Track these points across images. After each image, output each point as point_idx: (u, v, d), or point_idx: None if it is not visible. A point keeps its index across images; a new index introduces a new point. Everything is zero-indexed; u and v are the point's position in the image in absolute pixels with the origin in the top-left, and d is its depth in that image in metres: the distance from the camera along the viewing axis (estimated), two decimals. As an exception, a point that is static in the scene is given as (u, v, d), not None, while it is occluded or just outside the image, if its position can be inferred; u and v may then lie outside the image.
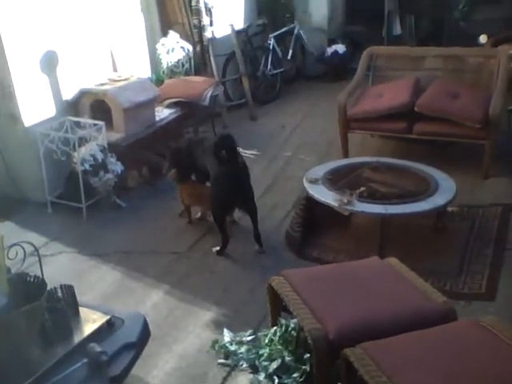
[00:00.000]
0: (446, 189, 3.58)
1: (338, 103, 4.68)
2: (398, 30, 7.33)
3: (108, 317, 1.91)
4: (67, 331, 1.82)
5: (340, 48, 7.13)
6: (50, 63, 4.18)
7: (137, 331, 1.88)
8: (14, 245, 1.74)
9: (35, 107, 4.10)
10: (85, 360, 1.71)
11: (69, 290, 1.90)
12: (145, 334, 1.93)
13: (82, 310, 1.93)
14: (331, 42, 7.29)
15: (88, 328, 1.86)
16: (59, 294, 1.88)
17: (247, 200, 3.57)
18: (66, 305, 1.88)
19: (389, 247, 3.31)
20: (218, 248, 3.58)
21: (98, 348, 1.72)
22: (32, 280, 1.77)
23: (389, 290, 2.45)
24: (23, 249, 1.77)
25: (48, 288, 1.78)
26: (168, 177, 3.96)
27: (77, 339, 1.81)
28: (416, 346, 2.08)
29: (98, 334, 1.85)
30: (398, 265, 2.65)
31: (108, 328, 1.90)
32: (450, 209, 3.79)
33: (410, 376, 1.94)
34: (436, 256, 3.45)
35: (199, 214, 4.00)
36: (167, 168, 3.96)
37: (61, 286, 1.90)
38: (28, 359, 1.70)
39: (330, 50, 7.15)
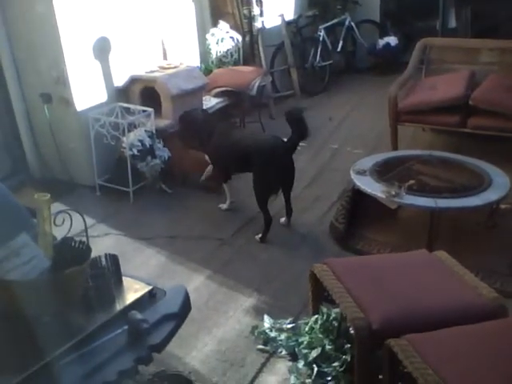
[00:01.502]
0: (499, 185, 3.44)
1: (389, 94, 4.57)
2: (453, 22, 7.10)
3: (150, 287, 1.93)
4: (110, 298, 1.86)
5: (392, 40, 6.98)
6: (102, 50, 4.27)
7: (178, 303, 1.89)
8: (61, 212, 1.78)
9: (87, 92, 4.20)
10: (125, 327, 1.73)
11: (113, 259, 1.93)
12: (186, 306, 1.94)
13: (126, 280, 1.96)
14: (383, 34, 7.14)
15: (130, 297, 1.89)
16: (103, 263, 1.91)
17: (291, 176, 3.65)
18: (110, 273, 1.91)
19: (437, 243, 3.21)
20: (260, 235, 3.57)
21: (138, 316, 1.74)
22: (77, 245, 1.81)
23: (436, 282, 2.37)
24: (70, 216, 1.80)
25: (93, 256, 1.82)
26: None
27: (119, 307, 1.84)
28: (463, 340, 2.00)
29: (140, 303, 1.87)
30: (447, 259, 2.56)
31: (150, 298, 1.92)
32: (502, 206, 3.64)
33: (456, 370, 1.86)
34: (486, 253, 3.31)
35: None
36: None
37: (105, 254, 1.94)
38: (70, 322, 1.74)
39: (381, 43, 7.01)
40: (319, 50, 6.59)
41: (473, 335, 2.03)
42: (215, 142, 3.82)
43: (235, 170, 3.88)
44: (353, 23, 7.04)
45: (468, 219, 3.59)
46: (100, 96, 4.31)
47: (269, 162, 3.52)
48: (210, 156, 3.93)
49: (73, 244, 1.82)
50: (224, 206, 3.98)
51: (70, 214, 1.80)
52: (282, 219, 3.73)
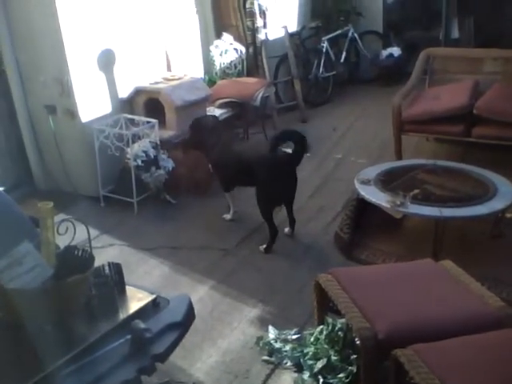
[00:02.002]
0: (505, 193, 3.42)
1: (393, 104, 4.57)
2: (456, 33, 7.11)
3: (154, 296, 1.92)
4: (113, 307, 1.84)
5: (395, 51, 7.00)
6: (107, 61, 4.30)
7: (182, 312, 1.87)
8: (64, 220, 1.77)
9: (92, 104, 4.21)
10: (128, 336, 1.71)
11: (116, 268, 1.92)
12: (190, 315, 1.93)
13: (129, 289, 1.95)
14: (386, 45, 7.16)
15: (133, 306, 1.88)
16: (107, 271, 1.91)
17: (293, 189, 3.65)
18: (113, 282, 1.90)
19: (442, 252, 3.19)
20: (264, 246, 3.56)
21: (142, 325, 1.72)
22: (80, 254, 1.80)
23: (442, 292, 2.35)
24: (73, 224, 1.80)
25: (96, 265, 1.81)
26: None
27: (122, 316, 1.83)
28: (470, 350, 1.97)
29: (143, 313, 1.86)
30: (452, 268, 2.54)
31: (153, 307, 1.90)
32: (508, 215, 3.61)
33: (463, 381, 1.84)
34: (492, 263, 3.28)
35: None
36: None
37: (108, 263, 1.93)
38: (72, 331, 1.73)
39: (384, 53, 7.03)
40: (322, 61, 6.62)
41: (479, 345, 2.00)
42: (218, 151, 3.82)
43: (237, 183, 3.88)
44: (356, 34, 7.07)
45: (473, 228, 3.57)
46: (104, 107, 4.33)
47: (271, 175, 3.50)
48: (212, 164, 3.93)
49: (76, 252, 1.82)
50: (228, 217, 3.97)
51: (73, 223, 1.80)
52: (286, 229, 3.72)
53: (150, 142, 4.18)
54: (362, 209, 3.71)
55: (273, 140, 3.61)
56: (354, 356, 2.36)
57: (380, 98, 6.27)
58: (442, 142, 4.89)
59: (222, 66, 5.56)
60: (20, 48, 4.16)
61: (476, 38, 7.13)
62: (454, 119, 4.41)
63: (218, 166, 3.90)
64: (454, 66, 5.13)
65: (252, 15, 5.80)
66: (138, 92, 4.52)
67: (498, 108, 4.30)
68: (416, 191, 3.43)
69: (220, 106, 5.09)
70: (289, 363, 2.58)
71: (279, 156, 3.61)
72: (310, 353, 2.51)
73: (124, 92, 4.50)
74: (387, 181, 3.63)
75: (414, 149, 4.92)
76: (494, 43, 6.67)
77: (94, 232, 3.75)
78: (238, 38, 5.76)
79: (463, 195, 3.44)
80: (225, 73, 5.59)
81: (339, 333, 2.46)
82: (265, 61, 5.89)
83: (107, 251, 3.61)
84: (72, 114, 4.16)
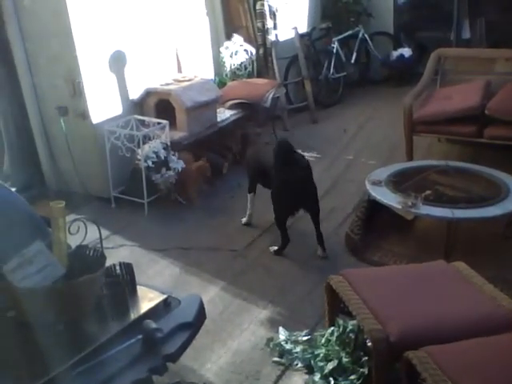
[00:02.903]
0: (518, 194, 3.38)
1: (404, 105, 4.54)
2: (467, 33, 7.06)
3: (165, 296, 1.91)
4: (124, 307, 1.84)
5: (406, 52, 6.96)
6: (118, 63, 4.32)
7: (193, 312, 1.86)
8: (76, 220, 1.78)
9: (103, 105, 4.23)
10: (139, 336, 1.71)
11: (128, 268, 1.92)
12: (201, 315, 1.92)
13: (140, 289, 1.94)
14: (397, 45, 7.13)
15: (145, 306, 1.87)
16: (118, 271, 1.91)
17: (310, 202, 3.49)
18: (124, 281, 1.90)
19: (454, 253, 3.16)
20: (275, 248, 3.54)
21: (153, 325, 1.72)
22: (92, 253, 1.80)
23: (455, 293, 2.32)
24: (85, 224, 1.80)
25: (107, 265, 1.81)
26: None
27: (133, 316, 1.83)
28: (483, 352, 1.95)
29: (154, 313, 1.85)
30: (465, 269, 2.51)
31: (164, 307, 1.90)
32: (521, 216, 3.57)
33: (476, 383, 1.81)
34: (504, 264, 3.25)
35: None
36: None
37: (120, 263, 1.93)
38: (84, 331, 1.73)
39: (395, 54, 7.00)
40: (333, 61, 6.60)
41: (493, 347, 1.98)
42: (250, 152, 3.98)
43: (261, 183, 3.84)
44: (366, 35, 7.04)
45: (485, 229, 3.53)
46: (115, 109, 4.35)
47: (284, 184, 3.39)
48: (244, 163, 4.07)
49: (87, 252, 1.82)
50: (244, 220, 3.91)
51: (84, 223, 1.80)
52: (318, 251, 3.50)
53: (160, 142, 4.19)
54: (373, 210, 3.69)
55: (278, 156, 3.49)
56: (366, 358, 2.34)
57: (391, 99, 6.24)
58: (453, 142, 4.86)
59: (233, 67, 5.56)
60: (31, 50, 4.19)
61: (487, 38, 7.08)
62: (465, 120, 4.38)
63: (247, 165, 3.98)
64: (466, 67, 5.09)
65: (262, 16, 5.79)
66: (148, 93, 4.53)
67: (510, 109, 4.26)
68: (428, 192, 3.41)
69: (230, 107, 5.08)
70: (299, 365, 2.57)
71: (294, 165, 3.46)
72: (321, 354, 2.49)
73: (135, 93, 4.51)
74: (398, 182, 3.61)
75: (425, 149, 4.89)
76: (506, 44, 6.63)
77: (104, 233, 3.75)
78: (248, 40, 5.75)
79: (475, 196, 3.42)
80: (235, 74, 5.58)
81: (350, 334, 2.45)
82: (275, 62, 5.88)
83: (118, 252, 3.62)
84: (83, 115, 4.17)
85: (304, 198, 3.46)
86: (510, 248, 3.44)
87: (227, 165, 4.77)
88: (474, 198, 3.39)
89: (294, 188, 3.38)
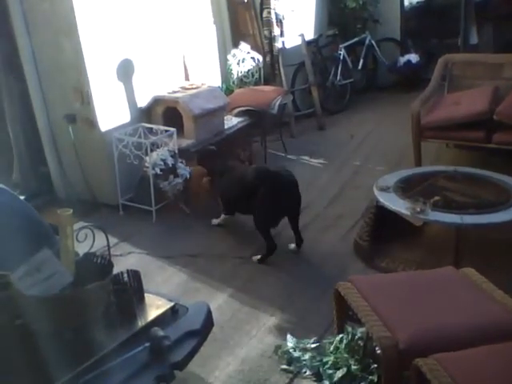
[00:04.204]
0: (528, 200, 3.35)
1: (412, 111, 4.53)
2: (474, 39, 7.04)
3: (172, 303, 1.91)
4: (131, 315, 1.84)
5: (413, 58, 6.95)
6: (126, 71, 4.34)
7: (201, 319, 1.86)
8: (84, 227, 1.78)
9: (111, 113, 4.26)
10: (147, 344, 1.71)
11: (135, 275, 1.92)
12: (208, 322, 1.91)
13: (147, 296, 1.94)
14: (404, 51, 7.12)
15: (152, 313, 1.87)
16: (125, 278, 1.91)
17: (295, 210, 3.59)
18: (132, 289, 1.90)
19: (464, 259, 3.13)
20: (258, 257, 3.53)
21: (160, 332, 1.72)
22: (99, 261, 1.80)
23: (464, 300, 2.30)
24: (92, 232, 1.80)
25: (115, 272, 1.81)
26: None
27: (140, 323, 1.82)
28: (494, 359, 1.93)
29: (162, 320, 1.85)
30: (475, 275, 2.49)
31: (172, 315, 1.90)
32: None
33: (488, 391, 1.79)
34: (515, 271, 3.21)
35: None
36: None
37: (127, 270, 1.93)
38: (91, 339, 1.72)
39: (402, 60, 6.99)
40: (340, 68, 6.61)
41: (503, 354, 1.95)
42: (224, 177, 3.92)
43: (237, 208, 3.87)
44: (373, 41, 7.05)
45: (495, 235, 3.49)
46: (123, 116, 4.37)
47: (270, 193, 3.46)
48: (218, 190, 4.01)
49: (95, 260, 1.82)
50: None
51: (92, 230, 1.81)
52: (292, 245, 3.63)
53: (168, 150, 4.21)
54: (382, 216, 3.66)
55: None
56: (375, 365, 2.33)
57: (398, 105, 6.22)
58: (461, 148, 4.83)
59: (240, 74, 5.58)
60: (40, 58, 4.23)
61: (495, 43, 7.06)
62: (474, 125, 4.35)
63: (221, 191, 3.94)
64: (473, 72, 5.06)
65: (269, 24, 5.82)
66: (156, 101, 4.55)
67: (519, 114, 4.23)
68: (436, 198, 3.38)
69: (237, 115, 5.09)
70: (308, 372, 2.55)
71: (279, 174, 3.59)
72: (330, 362, 2.47)
73: (143, 101, 4.53)
74: (407, 188, 3.59)
75: (433, 155, 4.87)
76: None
77: (112, 240, 3.76)
78: (255, 47, 5.78)
79: (485, 202, 3.38)
80: (242, 81, 5.61)
81: (359, 342, 2.44)
82: (282, 69, 5.90)
83: (126, 259, 3.63)
84: (91, 123, 4.20)
85: (290, 207, 3.55)
86: (520, 254, 3.41)
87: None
88: (482, 203, 3.36)
89: (281, 197, 3.46)
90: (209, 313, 1.94)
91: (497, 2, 7.00)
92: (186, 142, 4.43)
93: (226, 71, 5.64)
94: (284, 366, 2.61)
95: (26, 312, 1.70)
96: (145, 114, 4.56)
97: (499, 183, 3.60)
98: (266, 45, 5.87)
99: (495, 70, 4.94)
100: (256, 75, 5.69)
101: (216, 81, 5.50)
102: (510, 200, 3.36)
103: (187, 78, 5.06)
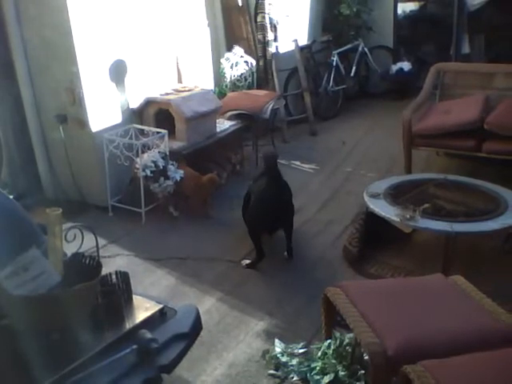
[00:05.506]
0: (516, 209, 3.38)
1: (403, 118, 4.56)
2: (466, 48, 7.10)
3: (161, 306, 1.89)
4: (119, 316, 1.82)
5: (405, 66, 7.00)
6: (118, 72, 4.32)
7: (189, 322, 1.84)
8: (72, 227, 1.77)
9: (102, 114, 4.23)
10: (134, 346, 1.69)
11: (124, 277, 1.90)
12: (197, 326, 1.90)
13: (136, 298, 1.92)
14: (396, 59, 7.17)
15: (140, 315, 1.85)
16: (114, 280, 1.89)
17: (288, 222, 3.57)
18: (120, 290, 1.88)
19: (453, 267, 3.14)
20: (248, 261, 3.53)
21: (148, 335, 1.70)
22: (87, 261, 1.78)
23: (453, 307, 2.30)
24: (81, 232, 1.79)
25: (103, 273, 1.79)
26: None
27: (128, 325, 1.80)
28: (481, 367, 1.93)
29: (150, 323, 1.83)
30: (463, 283, 2.49)
31: (160, 317, 1.88)
32: (520, 230, 3.56)
33: (475, 399, 1.79)
34: (503, 278, 3.23)
35: None
36: None
37: (116, 272, 1.91)
38: (78, 340, 1.70)
39: (394, 68, 7.05)
40: (332, 74, 6.64)
41: (491, 362, 1.96)
42: None
43: None
44: (366, 49, 7.09)
45: (484, 243, 3.52)
46: (115, 117, 4.35)
47: (258, 204, 3.48)
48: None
49: (83, 260, 1.80)
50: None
51: (81, 230, 1.79)
52: (285, 253, 3.62)
53: (159, 152, 4.19)
54: (372, 222, 3.67)
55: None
56: (362, 372, 2.32)
57: (390, 112, 6.27)
58: (452, 156, 4.86)
59: (233, 78, 5.59)
60: (32, 58, 4.20)
61: (486, 53, 7.13)
62: (464, 134, 4.39)
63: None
64: (465, 81, 5.11)
65: (263, 29, 5.84)
66: (148, 103, 4.54)
67: (509, 123, 4.27)
68: (426, 205, 3.40)
69: (230, 118, 5.09)
70: (295, 378, 2.54)
71: (272, 184, 3.52)
72: (318, 367, 2.47)
73: (135, 103, 4.51)
74: (397, 194, 3.61)
75: (424, 163, 4.90)
76: (505, 59, 6.67)
77: (101, 241, 3.72)
78: (248, 51, 5.79)
79: (474, 210, 3.41)
80: (235, 85, 5.61)
81: (347, 348, 2.43)
82: (275, 74, 5.92)
83: (115, 261, 3.60)
84: (82, 123, 4.17)
85: (282, 219, 3.54)
86: (508, 262, 3.43)
87: (226, 175, 4.76)
88: (472, 211, 3.38)
89: (273, 207, 3.46)
90: (197, 316, 1.93)
91: (489, 13, 7.07)
92: (177, 145, 4.42)
93: (219, 74, 5.64)
94: (271, 371, 2.60)
95: (12, 312, 1.67)
96: (136, 116, 4.54)
97: (488, 192, 3.63)
98: (259, 49, 5.89)
99: (486, 79, 4.99)
100: (249, 79, 5.70)
101: (209, 84, 5.50)
102: (498, 208, 3.38)
103: (180, 81, 5.06)
